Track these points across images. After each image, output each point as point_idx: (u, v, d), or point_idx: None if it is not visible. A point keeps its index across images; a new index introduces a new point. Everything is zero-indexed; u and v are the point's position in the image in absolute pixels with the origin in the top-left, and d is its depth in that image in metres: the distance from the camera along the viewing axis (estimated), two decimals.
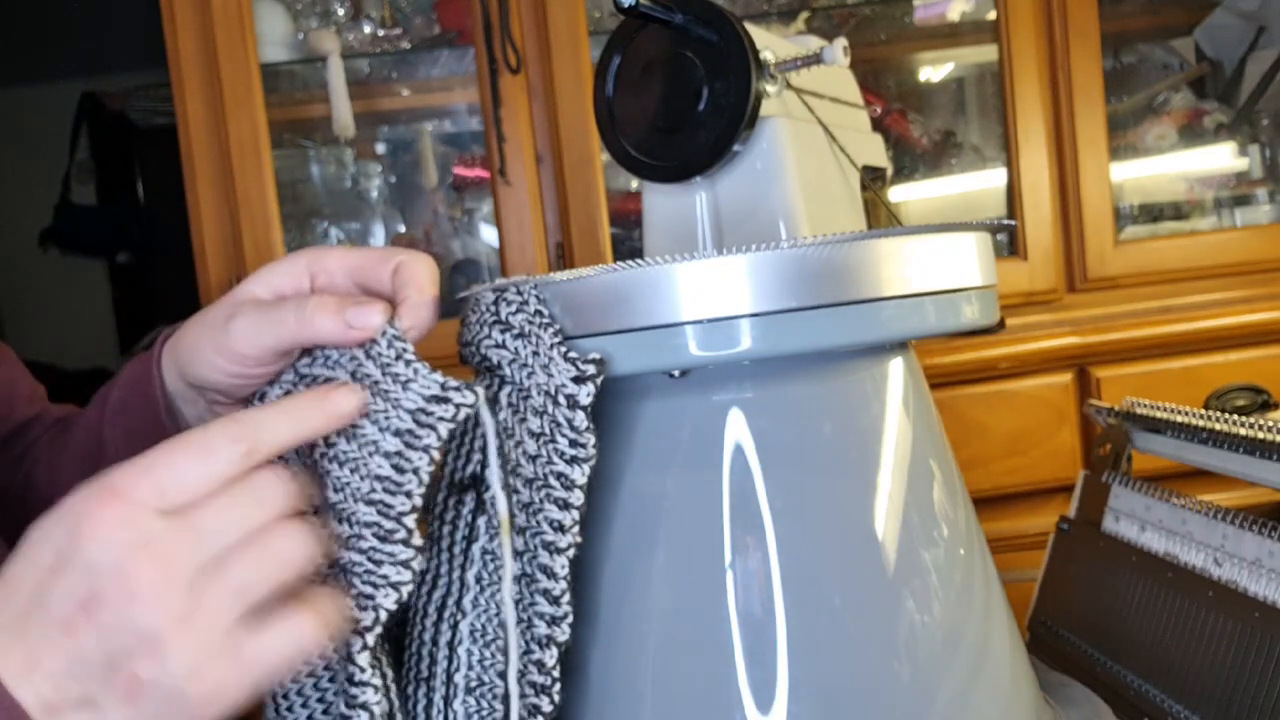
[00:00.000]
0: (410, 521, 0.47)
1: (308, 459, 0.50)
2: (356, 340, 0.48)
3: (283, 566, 0.43)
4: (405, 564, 0.46)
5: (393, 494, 0.47)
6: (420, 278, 0.49)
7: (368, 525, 0.47)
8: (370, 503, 0.47)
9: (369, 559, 0.47)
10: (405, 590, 0.47)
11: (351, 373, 0.49)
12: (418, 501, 0.47)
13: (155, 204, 3.19)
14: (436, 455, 0.47)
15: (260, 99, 1.48)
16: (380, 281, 0.50)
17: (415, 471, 0.47)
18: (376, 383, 0.48)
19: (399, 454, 0.47)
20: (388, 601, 0.46)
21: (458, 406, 0.47)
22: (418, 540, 0.47)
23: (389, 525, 0.46)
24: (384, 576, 0.47)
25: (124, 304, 3.47)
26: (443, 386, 0.47)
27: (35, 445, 0.66)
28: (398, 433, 0.47)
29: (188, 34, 1.48)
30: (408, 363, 0.47)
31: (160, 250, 3.12)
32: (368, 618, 0.46)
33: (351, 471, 0.48)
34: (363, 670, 0.47)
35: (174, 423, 0.57)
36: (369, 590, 0.47)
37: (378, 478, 0.47)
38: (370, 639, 0.47)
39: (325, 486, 0.48)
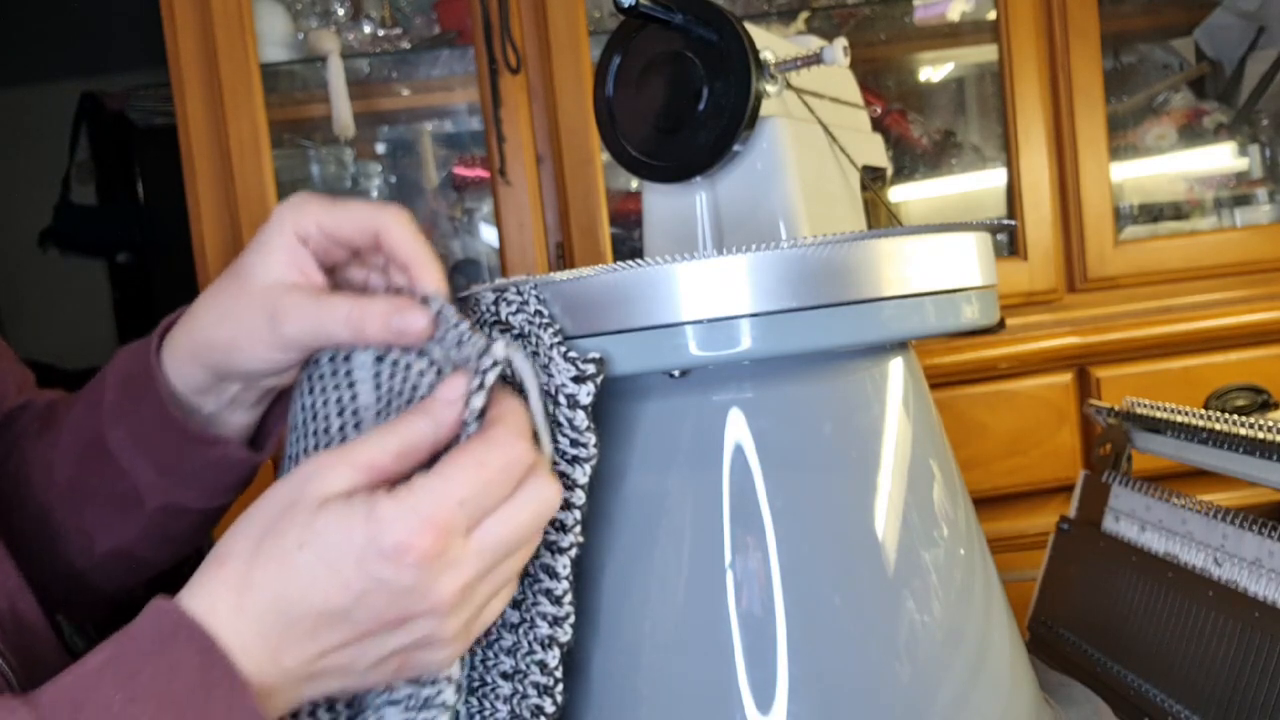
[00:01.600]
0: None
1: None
2: (404, 344, 0.49)
3: (530, 549, 0.47)
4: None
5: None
6: (408, 245, 0.50)
7: None
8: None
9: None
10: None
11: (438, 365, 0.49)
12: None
13: (155, 204, 3.18)
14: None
15: (260, 99, 1.48)
16: (362, 244, 0.52)
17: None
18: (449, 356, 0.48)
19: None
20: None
21: (486, 376, 0.46)
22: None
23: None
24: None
25: (124, 304, 3.47)
26: (479, 354, 0.46)
27: (24, 437, 0.66)
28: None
29: (188, 34, 1.48)
30: (455, 327, 0.48)
31: (160, 250, 3.12)
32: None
33: None
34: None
35: (184, 416, 0.57)
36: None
37: None
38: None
39: None
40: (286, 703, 0.43)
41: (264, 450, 0.61)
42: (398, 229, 0.50)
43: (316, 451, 0.51)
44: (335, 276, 0.54)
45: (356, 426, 0.51)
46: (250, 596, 0.42)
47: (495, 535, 0.44)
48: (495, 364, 0.45)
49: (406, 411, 0.46)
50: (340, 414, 0.51)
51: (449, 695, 0.47)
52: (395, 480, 0.44)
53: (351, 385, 0.51)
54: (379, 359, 0.51)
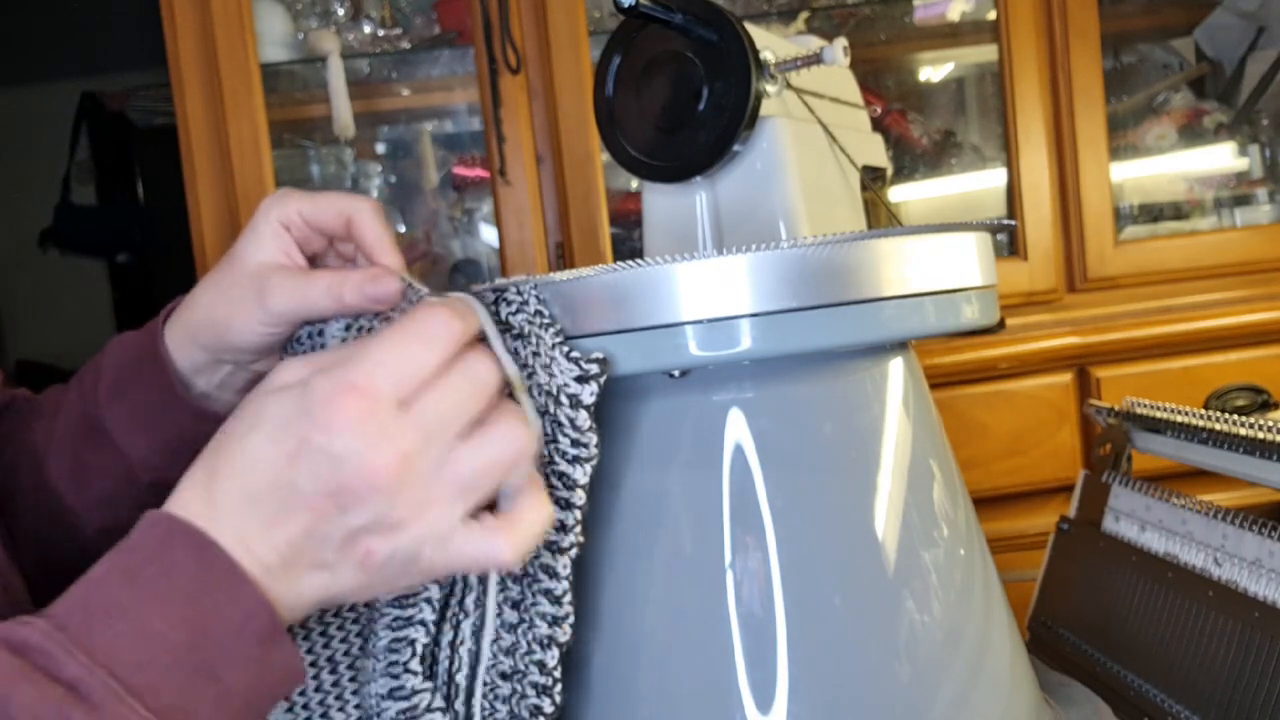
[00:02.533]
0: None
1: None
2: (377, 309, 0.53)
3: (505, 460, 0.45)
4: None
5: None
6: (374, 232, 0.55)
7: None
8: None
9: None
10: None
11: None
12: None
13: (155, 204, 3.19)
14: None
15: (260, 99, 1.48)
16: (335, 229, 0.57)
17: None
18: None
19: None
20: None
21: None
22: None
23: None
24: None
25: (124, 304, 3.47)
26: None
27: (13, 429, 0.67)
28: None
29: (188, 34, 1.48)
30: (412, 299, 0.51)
31: (160, 250, 3.12)
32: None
33: None
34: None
35: (190, 395, 0.60)
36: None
37: None
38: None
39: None
40: (278, 599, 0.44)
41: None
42: (366, 216, 0.55)
43: None
44: (315, 264, 0.59)
45: None
46: (215, 487, 0.44)
47: (427, 403, 0.44)
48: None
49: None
50: None
51: (427, 614, 0.49)
52: None
53: (324, 347, 0.56)
54: (347, 327, 0.54)
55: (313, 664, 0.55)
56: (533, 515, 0.46)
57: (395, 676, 0.49)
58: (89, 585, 0.42)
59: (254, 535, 0.43)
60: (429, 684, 0.50)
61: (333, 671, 0.55)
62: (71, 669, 0.39)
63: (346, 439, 0.42)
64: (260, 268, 0.56)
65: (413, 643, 0.49)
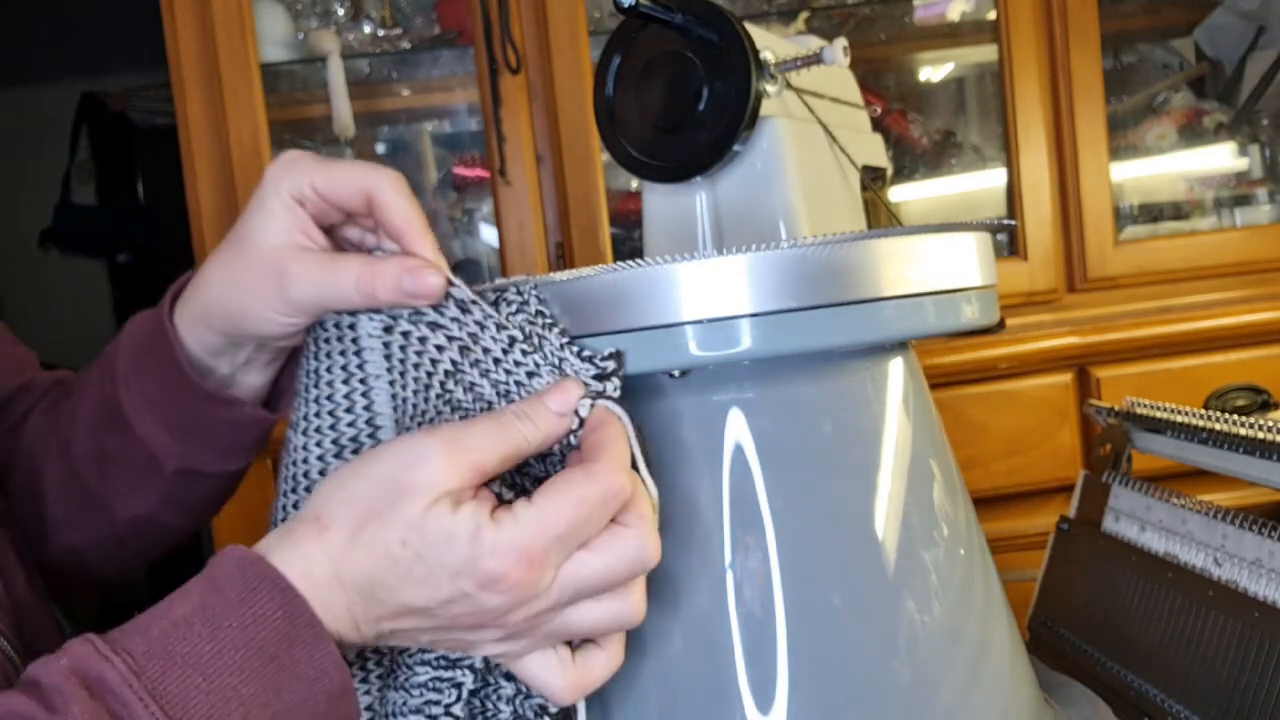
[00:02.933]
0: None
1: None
2: (415, 305, 0.50)
3: (610, 627, 0.47)
4: None
5: None
6: (400, 212, 0.51)
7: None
8: None
9: None
10: None
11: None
12: None
13: (155, 204, 3.18)
14: None
15: (260, 99, 1.48)
16: (354, 207, 0.52)
17: None
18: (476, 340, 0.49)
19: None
20: None
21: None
22: None
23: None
24: None
25: (124, 304, 3.47)
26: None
27: (31, 414, 0.66)
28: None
29: (188, 34, 1.48)
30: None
31: (160, 250, 3.12)
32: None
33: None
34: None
35: (203, 379, 0.57)
36: None
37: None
38: None
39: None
40: (352, 652, 0.46)
41: (279, 410, 0.61)
42: (390, 194, 0.50)
43: (319, 418, 0.52)
44: (332, 236, 0.54)
45: (365, 394, 0.51)
46: (347, 571, 0.44)
47: (582, 574, 0.45)
48: (601, 394, 0.48)
49: (508, 411, 0.47)
50: (347, 380, 0.52)
51: (476, 662, 0.49)
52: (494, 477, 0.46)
53: (359, 353, 0.51)
54: (387, 329, 0.51)
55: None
56: (603, 668, 0.48)
57: (433, 718, 0.49)
58: (172, 628, 0.42)
59: (368, 623, 0.45)
60: None
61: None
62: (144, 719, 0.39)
63: (501, 600, 0.44)
64: (276, 251, 0.51)
65: (458, 686, 0.49)
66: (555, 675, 0.47)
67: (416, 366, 0.50)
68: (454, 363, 0.49)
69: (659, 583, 0.52)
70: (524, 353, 0.49)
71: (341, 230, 0.54)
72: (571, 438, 0.48)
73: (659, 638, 0.52)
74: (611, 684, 0.50)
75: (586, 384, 0.48)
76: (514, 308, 0.50)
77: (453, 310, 0.50)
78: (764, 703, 0.50)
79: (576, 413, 0.47)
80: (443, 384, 0.49)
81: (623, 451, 0.46)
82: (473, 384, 0.49)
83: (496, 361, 0.48)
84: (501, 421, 0.46)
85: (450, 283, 0.49)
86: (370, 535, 0.44)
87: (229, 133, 1.47)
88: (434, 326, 0.50)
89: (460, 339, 0.49)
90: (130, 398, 0.59)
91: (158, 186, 3.14)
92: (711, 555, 0.51)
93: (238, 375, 0.58)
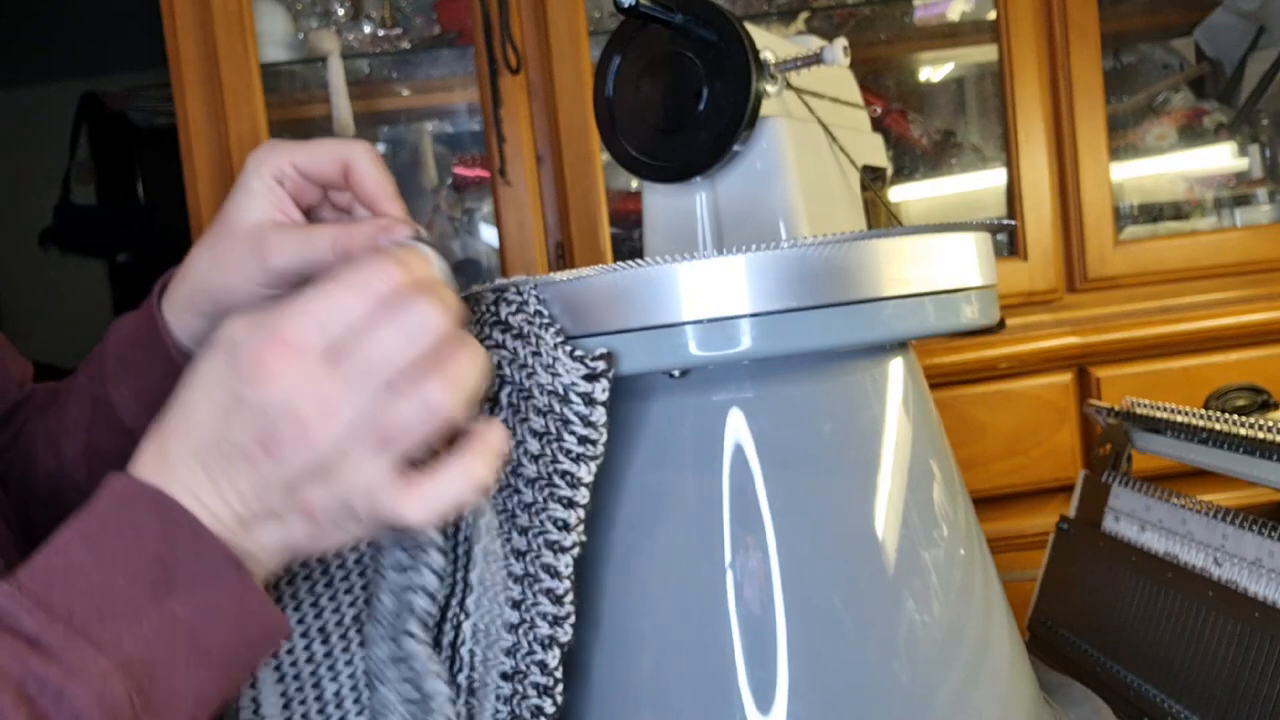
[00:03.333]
0: None
1: None
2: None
3: (437, 411, 0.43)
4: None
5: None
6: (373, 177, 0.53)
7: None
8: None
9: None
10: None
11: None
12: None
13: (155, 204, 3.18)
14: None
15: (260, 99, 1.48)
16: (330, 178, 0.55)
17: None
18: None
19: None
20: None
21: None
22: None
23: None
24: None
25: (124, 304, 3.46)
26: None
27: (29, 424, 0.66)
28: None
29: (188, 34, 1.48)
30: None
31: (160, 250, 3.12)
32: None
33: None
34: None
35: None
36: None
37: None
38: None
39: None
40: (241, 552, 0.44)
41: None
42: (364, 162, 0.53)
43: None
44: (310, 217, 0.57)
45: None
46: (167, 447, 0.44)
47: (356, 351, 0.42)
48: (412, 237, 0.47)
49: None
50: None
51: (435, 559, 0.49)
52: None
53: None
54: None
55: (304, 634, 0.55)
56: (453, 480, 0.44)
57: (396, 640, 0.49)
58: (50, 550, 0.42)
59: (205, 490, 0.43)
60: (429, 647, 0.49)
61: (324, 642, 0.55)
62: (30, 624, 0.39)
63: (271, 391, 0.42)
64: (255, 227, 0.54)
65: (411, 607, 0.49)
66: (394, 498, 0.43)
67: None
68: None
69: (659, 582, 0.52)
70: (515, 352, 0.49)
71: (318, 212, 0.57)
72: (564, 431, 0.48)
73: (659, 638, 0.52)
74: (612, 684, 0.50)
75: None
76: (513, 307, 0.50)
77: None
78: (764, 703, 0.50)
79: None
80: None
81: (408, 257, 0.45)
82: None
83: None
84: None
85: (420, 238, 0.50)
86: (170, 405, 0.45)
87: (229, 132, 1.47)
88: None
89: None
90: (121, 394, 0.60)
91: (157, 186, 3.14)
92: (711, 555, 0.51)
93: None
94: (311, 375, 0.42)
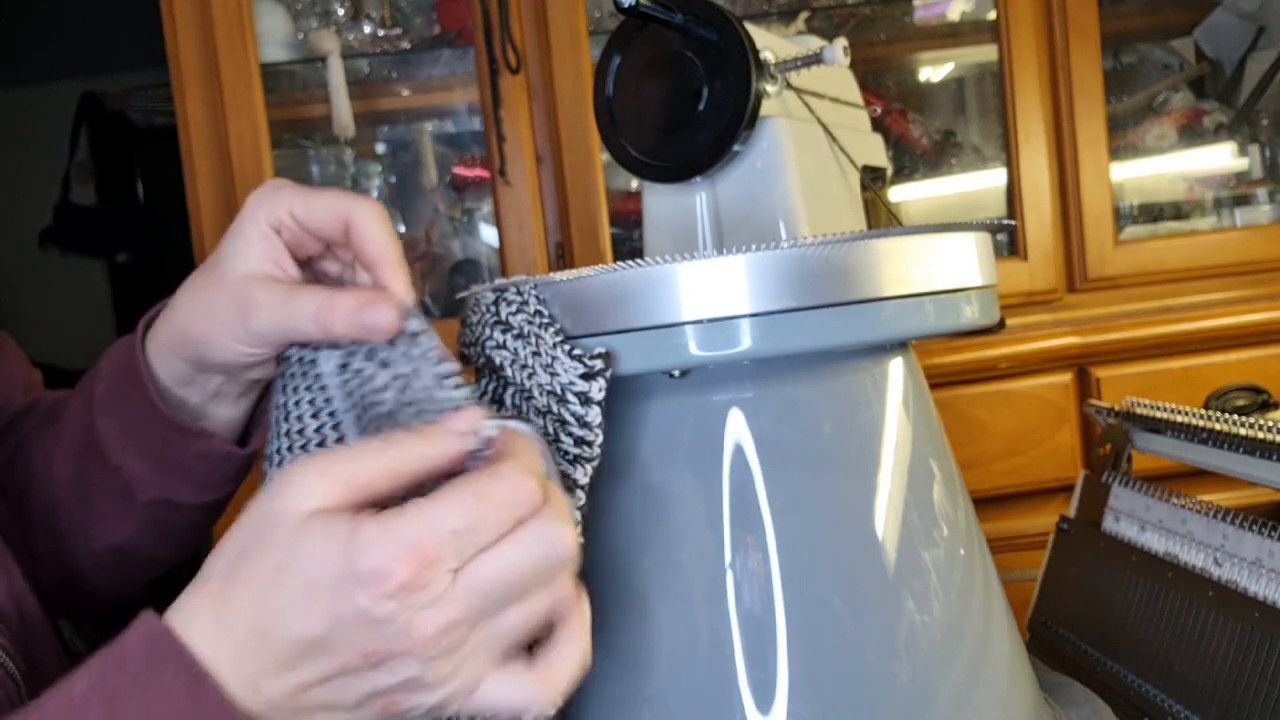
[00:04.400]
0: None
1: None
2: (370, 340, 0.48)
3: (548, 613, 0.42)
4: None
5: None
6: (376, 242, 0.49)
7: None
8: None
9: None
10: None
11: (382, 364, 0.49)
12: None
13: (155, 204, 3.18)
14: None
15: (260, 99, 1.48)
16: (332, 235, 0.51)
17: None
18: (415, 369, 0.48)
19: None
20: None
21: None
22: None
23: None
24: None
25: (124, 304, 3.47)
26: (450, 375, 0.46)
27: (29, 435, 0.66)
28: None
29: (188, 34, 1.48)
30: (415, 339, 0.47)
31: (160, 250, 3.12)
32: None
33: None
34: None
35: (170, 409, 0.56)
36: None
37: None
38: None
39: None
40: None
41: (250, 444, 0.60)
42: (368, 223, 0.49)
43: (292, 453, 0.51)
44: (310, 268, 0.54)
45: (335, 427, 0.51)
46: (228, 615, 0.40)
47: (487, 574, 0.40)
48: (510, 417, 0.45)
49: (399, 432, 0.43)
50: (315, 415, 0.51)
51: None
52: (385, 504, 0.41)
53: (324, 389, 0.51)
54: (343, 366, 0.50)
55: None
56: (568, 661, 0.43)
57: None
58: (66, 706, 0.38)
59: (266, 677, 0.39)
60: None
61: None
62: None
63: (393, 607, 0.38)
64: (245, 279, 0.50)
65: None
66: (517, 688, 0.42)
67: (366, 408, 0.49)
68: (397, 402, 0.47)
69: (659, 583, 0.52)
70: (515, 352, 0.49)
71: (320, 264, 0.54)
72: (561, 433, 0.48)
73: (659, 638, 0.52)
74: (612, 685, 0.50)
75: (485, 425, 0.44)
76: (514, 307, 0.50)
77: (402, 346, 0.48)
78: (764, 703, 0.50)
79: (481, 433, 0.43)
80: (398, 421, 0.48)
81: (532, 459, 0.42)
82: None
83: (432, 399, 0.46)
84: (389, 439, 0.42)
85: (408, 316, 0.48)
86: (245, 570, 0.40)
87: (229, 132, 1.47)
88: (384, 364, 0.49)
89: (404, 375, 0.48)
90: (106, 426, 0.58)
91: (157, 186, 3.15)
92: (711, 555, 0.51)
93: (209, 407, 0.57)
94: (438, 593, 0.39)
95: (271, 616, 0.39)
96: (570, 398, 0.48)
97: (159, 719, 0.38)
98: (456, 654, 0.40)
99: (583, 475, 0.48)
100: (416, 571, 0.38)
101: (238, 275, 0.51)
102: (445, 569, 0.39)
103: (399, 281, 0.49)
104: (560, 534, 0.41)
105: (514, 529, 0.40)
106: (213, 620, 0.40)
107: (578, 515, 0.48)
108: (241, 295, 0.50)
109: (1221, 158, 1.72)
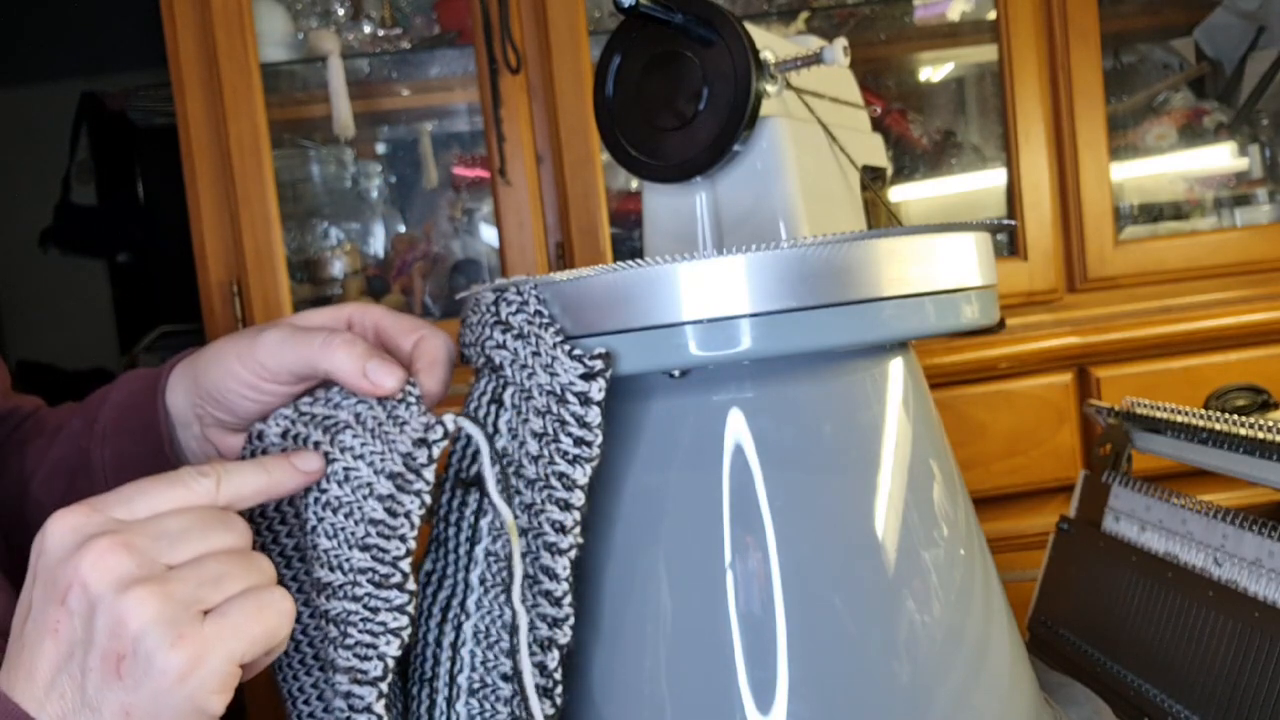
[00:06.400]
0: (405, 566, 0.47)
1: (299, 506, 0.50)
2: (366, 391, 0.50)
3: (235, 554, 0.45)
4: (402, 609, 0.47)
5: (387, 538, 0.47)
6: (435, 352, 0.53)
7: (362, 571, 0.47)
8: (365, 548, 0.47)
9: (365, 606, 0.47)
10: (405, 635, 0.47)
11: (356, 414, 0.49)
12: (411, 545, 0.47)
13: (155, 204, 3.18)
14: (427, 500, 0.47)
15: (260, 99, 1.48)
16: (400, 347, 0.54)
17: (407, 515, 0.47)
18: (380, 424, 0.48)
19: (391, 497, 0.47)
20: (391, 649, 0.47)
21: (432, 447, 0.47)
22: (411, 586, 0.47)
23: (384, 570, 0.47)
24: (382, 623, 0.47)
25: (124, 304, 3.47)
26: (425, 428, 0.47)
27: (8, 444, 0.66)
28: (390, 475, 0.47)
29: (188, 34, 1.48)
30: (408, 406, 0.49)
31: (160, 250, 3.12)
32: (376, 668, 0.46)
33: (345, 517, 0.48)
34: (379, 718, 0.47)
35: (176, 456, 0.58)
36: (368, 639, 0.47)
37: (371, 521, 0.47)
38: (384, 687, 0.47)
39: (317, 534, 0.48)
40: None
41: None
42: (437, 339, 0.53)
43: (264, 517, 0.53)
44: None
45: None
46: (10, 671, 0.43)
47: (171, 528, 0.44)
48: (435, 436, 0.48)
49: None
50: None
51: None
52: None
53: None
54: (284, 434, 0.52)
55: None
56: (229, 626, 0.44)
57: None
58: None
59: (40, 684, 0.42)
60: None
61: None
62: None
63: (61, 539, 0.43)
64: (268, 321, 0.54)
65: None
66: (253, 612, 0.44)
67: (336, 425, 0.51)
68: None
69: (659, 583, 0.52)
70: (515, 352, 0.49)
71: None
72: (560, 433, 0.48)
73: (659, 638, 0.52)
74: (612, 685, 0.50)
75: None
76: (514, 307, 0.50)
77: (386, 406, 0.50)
78: (764, 703, 0.50)
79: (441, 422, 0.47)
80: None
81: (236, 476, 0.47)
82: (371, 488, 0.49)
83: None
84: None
85: (409, 389, 0.50)
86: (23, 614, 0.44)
87: (229, 132, 1.47)
88: (328, 429, 0.50)
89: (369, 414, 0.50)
90: (102, 454, 0.59)
91: (157, 186, 3.15)
92: (711, 555, 0.51)
93: (195, 448, 0.59)
94: (104, 524, 0.43)
95: (20, 654, 0.43)
96: (570, 398, 0.48)
97: None
98: (147, 582, 0.42)
99: (582, 476, 0.48)
100: (78, 513, 0.43)
101: (284, 321, 0.54)
102: (109, 514, 0.43)
103: (433, 387, 0.52)
104: (229, 518, 0.45)
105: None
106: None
107: (577, 515, 0.48)
108: (257, 331, 0.53)
109: (1221, 158, 1.72)
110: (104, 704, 0.42)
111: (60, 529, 0.43)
